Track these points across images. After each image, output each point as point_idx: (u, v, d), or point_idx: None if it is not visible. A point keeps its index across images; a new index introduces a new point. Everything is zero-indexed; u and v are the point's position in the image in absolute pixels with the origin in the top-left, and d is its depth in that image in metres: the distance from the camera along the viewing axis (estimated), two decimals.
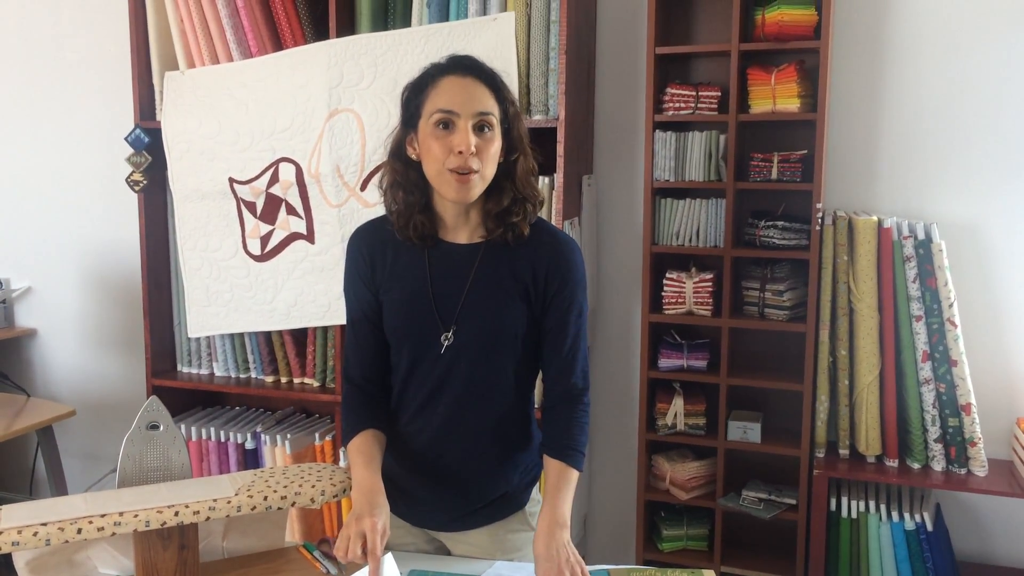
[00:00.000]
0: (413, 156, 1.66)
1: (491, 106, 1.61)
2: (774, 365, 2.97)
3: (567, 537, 1.59)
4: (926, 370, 2.63)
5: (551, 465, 1.69)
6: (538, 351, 1.74)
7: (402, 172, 1.67)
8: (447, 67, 1.64)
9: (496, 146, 1.62)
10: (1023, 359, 2.79)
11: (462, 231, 1.70)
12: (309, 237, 3.00)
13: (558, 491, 1.64)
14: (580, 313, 1.71)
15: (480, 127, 1.60)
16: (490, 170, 1.62)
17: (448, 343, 1.67)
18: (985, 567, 2.84)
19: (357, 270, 1.75)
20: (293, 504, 1.72)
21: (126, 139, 3.16)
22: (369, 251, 1.73)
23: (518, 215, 1.65)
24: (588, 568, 1.62)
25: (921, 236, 2.63)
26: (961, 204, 2.81)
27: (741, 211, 2.93)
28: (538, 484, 1.87)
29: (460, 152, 1.56)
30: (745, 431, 2.85)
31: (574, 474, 1.68)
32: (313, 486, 1.75)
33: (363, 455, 1.67)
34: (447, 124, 1.59)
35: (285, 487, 1.73)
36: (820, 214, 2.71)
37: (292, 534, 3.07)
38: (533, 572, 1.63)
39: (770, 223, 2.79)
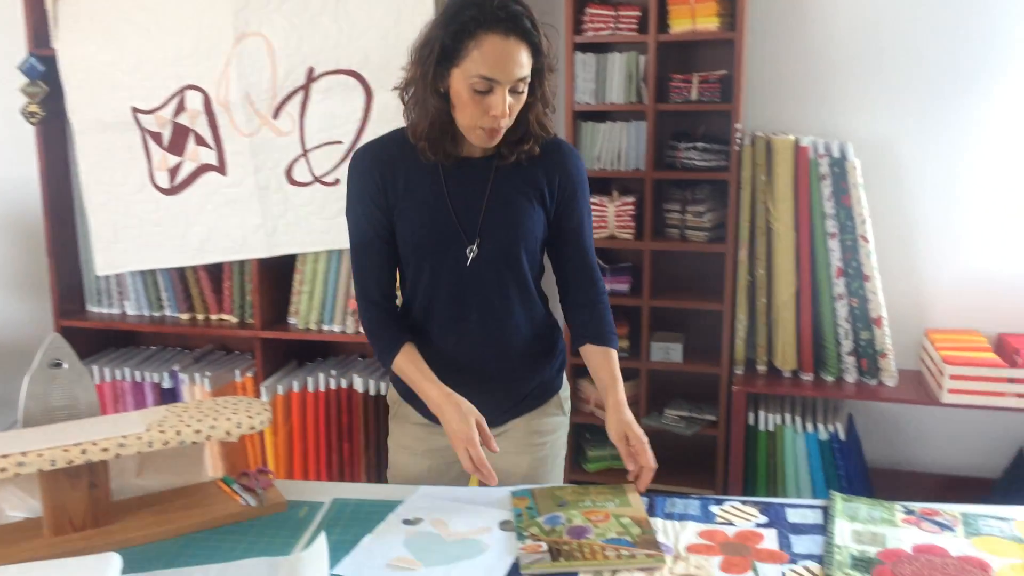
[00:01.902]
0: (442, 89, 1.62)
1: (528, 67, 1.59)
2: (695, 286, 3.00)
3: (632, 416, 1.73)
4: (840, 285, 2.69)
5: (595, 352, 1.79)
6: (550, 255, 1.82)
7: (435, 104, 1.62)
8: (492, 20, 1.54)
9: (524, 98, 1.63)
10: (932, 273, 2.89)
11: (474, 146, 1.70)
12: (220, 168, 2.89)
13: (614, 378, 1.75)
14: (589, 213, 1.81)
15: (515, 88, 1.59)
16: (514, 119, 1.64)
17: (473, 255, 1.68)
18: (894, 472, 2.97)
19: (366, 191, 1.71)
20: (208, 438, 1.67)
21: (19, 68, 2.97)
22: (379, 171, 1.70)
23: (528, 144, 1.69)
24: (511, 489, 1.67)
25: (836, 155, 2.67)
26: (875, 124, 2.86)
27: (662, 133, 2.92)
28: (565, 370, 1.96)
29: (495, 115, 1.58)
30: (667, 352, 2.89)
31: (616, 355, 1.80)
32: (229, 419, 1.70)
33: (418, 370, 1.72)
34: (487, 90, 1.57)
35: (199, 421, 1.68)
36: (739, 135, 2.72)
37: (215, 469, 3.02)
38: (456, 496, 1.66)
39: (690, 145, 2.79)
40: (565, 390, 1.92)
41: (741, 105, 2.72)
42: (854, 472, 2.73)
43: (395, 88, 1.71)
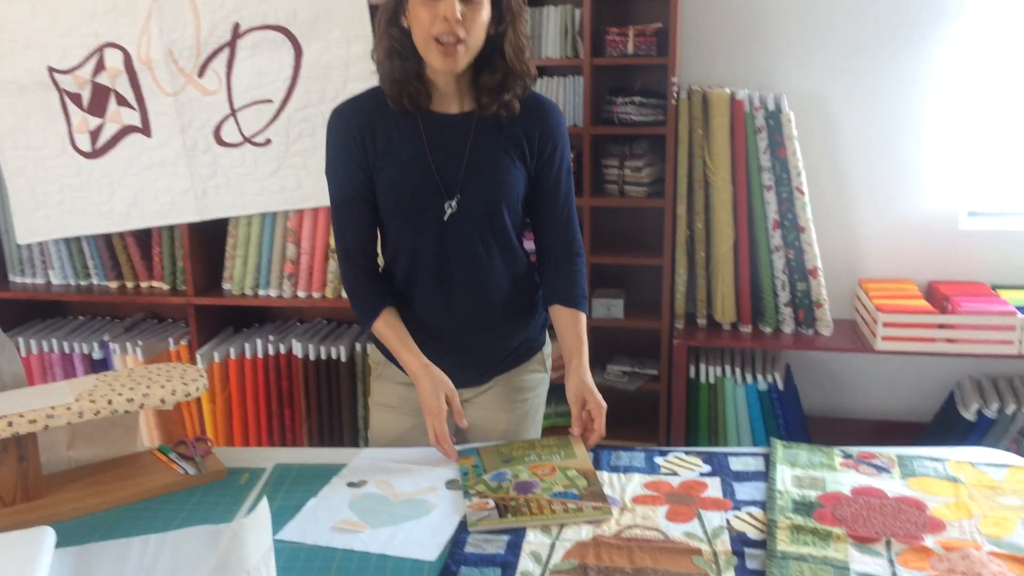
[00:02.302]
0: (405, 24, 1.63)
1: None
2: (634, 242, 3.01)
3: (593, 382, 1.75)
4: (776, 237, 2.73)
5: (564, 314, 1.77)
6: (530, 213, 1.80)
7: (398, 39, 1.64)
8: None
9: (483, 15, 1.59)
10: (864, 224, 2.94)
11: (453, 101, 1.69)
12: (145, 130, 2.78)
13: (580, 340, 1.75)
14: (570, 172, 1.80)
15: None
16: (476, 39, 1.60)
17: (452, 211, 1.67)
18: (830, 419, 3.05)
19: (346, 150, 1.69)
20: (142, 407, 1.62)
21: None
22: (359, 129, 1.68)
23: (510, 92, 1.66)
24: (457, 448, 1.68)
25: (771, 107, 2.68)
26: (809, 76, 2.88)
27: (599, 88, 2.89)
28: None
29: (446, 19, 1.54)
30: (609, 308, 2.90)
31: (585, 318, 1.79)
32: (163, 386, 1.65)
33: (397, 336, 1.72)
34: None
35: (131, 389, 1.63)
36: (676, 88, 2.71)
37: (151, 440, 2.95)
38: (400, 457, 1.66)
39: (627, 99, 2.77)
40: (548, 347, 1.93)
41: (677, 58, 2.71)
42: (792, 421, 2.79)
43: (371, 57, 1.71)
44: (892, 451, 1.71)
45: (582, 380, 1.72)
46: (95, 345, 2.96)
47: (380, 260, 1.82)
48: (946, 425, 2.79)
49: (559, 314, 1.79)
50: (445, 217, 1.69)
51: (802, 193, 2.70)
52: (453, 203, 1.68)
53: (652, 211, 2.91)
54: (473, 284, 1.75)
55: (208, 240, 2.92)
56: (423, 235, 1.71)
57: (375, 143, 1.69)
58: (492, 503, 1.50)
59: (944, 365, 2.93)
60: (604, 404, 1.71)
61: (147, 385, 1.65)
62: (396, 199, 1.70)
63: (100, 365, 2.95)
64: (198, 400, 2.91)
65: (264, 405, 2.91)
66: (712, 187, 2.75)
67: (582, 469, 1.59)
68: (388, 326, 1.73)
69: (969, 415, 2.68)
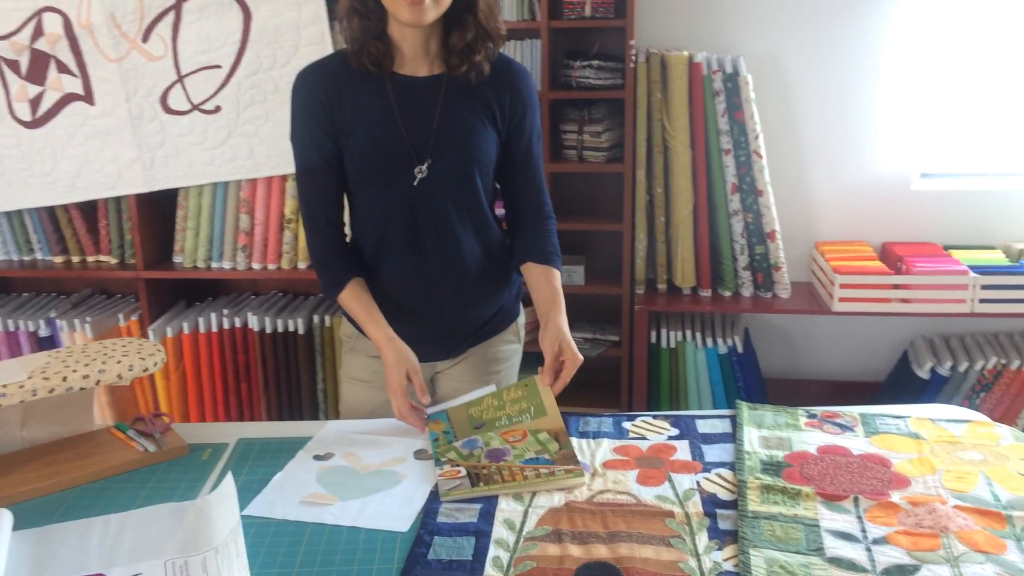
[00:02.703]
0: None
1: None
2: (594, 208, 3.00)
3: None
4: (735, 201, 2.74)
5: (538, 270, 1.73)
6: (500, 178, 1.76)
7: None
8: None
9: None
10: (821, 187, 2.97)
11: (422, 63, 1.64)
12: (87, 98, 2.68)
13: (556, 293, 1.71)
14: (540, 137, 1.76)
15: None
16: None
17: (421, 176, 1.63)
18: (788, 380, 3.09)
19: (312, 115, 1.64)
20: (98, 383, 1.57)
21: None
22: (325, 93, 1.63)
23: (480, 53, 1.61)
24: (428, 411, 1.66)
25: (729, 70, 2.68)
26: (765, 39, 2.88)
27: (556, 52, 2.86)
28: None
29: None
30: (569, 275, 2.89)
31: (559, 275, 1.75)
32: (119, 361, 1.60)
33: (363, 308, 1.68)
34: None
35: (86, 366, 1.58)
36: (634, 52, 2.69)
37: (103, 419, 2.87)
38: (366, 428, 1.64)
39: (586, 63, 2.75)
40: (522, 317, 1.91)
41: (635, 21, 2.69)
42: (752, 383, 2.83)
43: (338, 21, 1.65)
44: (855, 410, 1.73)
45: (560, 329, 1.67)
46: (41, 322, 2.86)
47: (348, 232, 1.78)
48: (900, 384, 2.85)
49: (532, 271, 1.75)
50: (415, 182, 1.65)
51: (760, 156, 2.71)
52: (423, 168, 1.64)
53: (611, 176, 2.90)
54: (445, 252, 1.71)
55: (157, 212, 2.84)
56: (392, 202, 1.67)
57: (342, 107, 1.63)
58: (464, 471, 1.48)
59: (898, 325, 2.99)
60: (581, 358, 1.66)
61: (102, 361, 1.60)
62: (364, 164, 1.65)
63: (47, 343, 2.86)
64: (151, 377, 2.84)
65: (220, 380, 2.85)
66: (671, 151, 2.74)
67: (553, 430, 1.57)
68: (354, 297, 1.69)
69: (923, 373, 2.74)
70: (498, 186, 1.81)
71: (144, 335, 2.84)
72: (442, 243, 1.70)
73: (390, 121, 1.63)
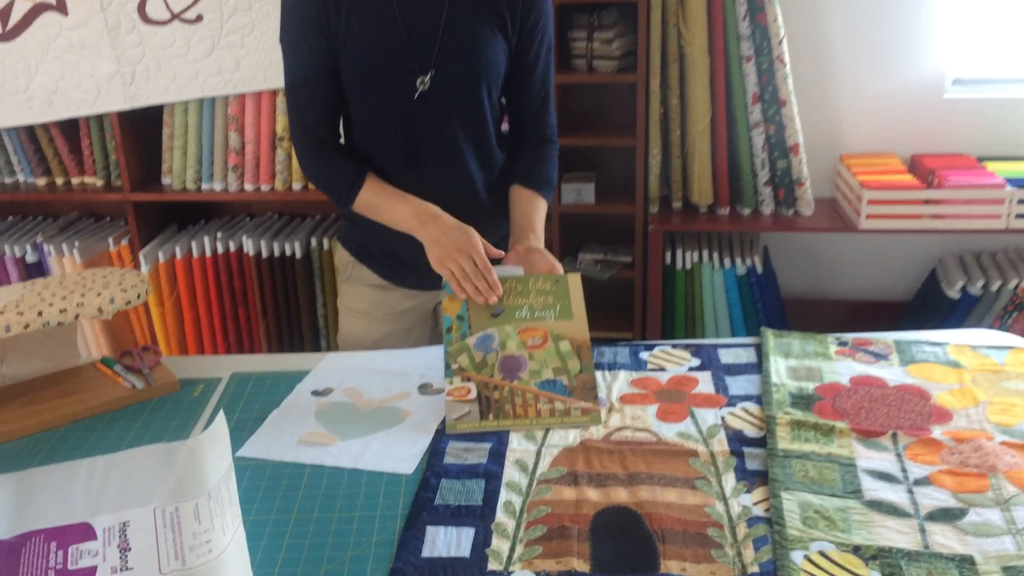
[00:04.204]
0: None
1: None
2: (605, 121, 2.86)
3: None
4: (756, 112, 2.58)
5: (522, 194, 1.64)
6: (504, 92, 1.65)
7: None
8: None
9: None
10: (847, 95, 2.80)
11: None
12: (60, 7, 2.50)
13: (529, 219, 1.60)
14: (550, 49, 1.65)
15: None
16: None
17: (424, 88, 1.52)
18: (810, 301, 2.99)
19: (307, 17, 1.51)
20: (77, 317, 1.47)
21: None
22: None
23: None
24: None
25: None
26: None
27: None
28: None
29: None
30: (579, 193, 2.76)
31: (544, 205, 1.65)
32: (99, 294, 1.50)
33: (387, 193, 1.55)
34: None
35: (64, 299, 1.48)
36: None
37: (98, 349, 2.79)
38: (367, 361, 1.56)
39: None
40: None
41: None
42: (771, 305, 2.73)
43: None
44: (889, 336, 1.63)
45: (530, 245, 1.57)
46: (28, 247, 2.75)
47: None
48: (928, 304, 2.74)
49: (516, 195, 1.65)
50: (416, 95, 1.53)
51: (783, 63, 2.54)
52: (426, 79, 1.52)
53: (623, 87, 2.74)
54: (447, 171, 1.60)
55: (142, 130, 2.69)
56: (391, 116, 1.55)
57: (339, 8, 1.50)
58: (474, 391, 1.39)
59: (926, 242, 2.86)
60: (559, 266, 1.55)
61: (81, 294, 1.50)
62: (361, 73, 1.53)
63: (35, 269, 2.76)
64: (145, 305, 2.74)
65: (217, 307, 2.75)
66: (687, 59, 2.57)
67: (576, 341, 1.45)
68: (378, 190, 1.56)
69: (953, 293, 2.62)
70: (503, 101, 1.68)
71: (135, 260, 2.73)
72: (444, 162, 1.59)
73: (391, 27, 1.50)
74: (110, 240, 2.77)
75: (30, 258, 2.75)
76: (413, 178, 1.59)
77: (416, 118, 1.55)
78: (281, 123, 2.59)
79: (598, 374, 1.51)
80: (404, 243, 1.59)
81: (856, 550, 1.07)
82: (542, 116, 1.68)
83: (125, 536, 1.13)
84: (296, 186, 2.65)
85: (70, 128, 2.72)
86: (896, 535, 1.10)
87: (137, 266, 2.71)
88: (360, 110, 1.58)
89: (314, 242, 2.71)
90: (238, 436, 1.37)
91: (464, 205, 1.61)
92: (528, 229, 1.60)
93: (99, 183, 2.74)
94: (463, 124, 1.58)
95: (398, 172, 1.59)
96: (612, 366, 1.55)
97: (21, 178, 2.79)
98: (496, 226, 1.70)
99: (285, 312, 2.77)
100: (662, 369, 1.55)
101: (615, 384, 1.49)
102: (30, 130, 2.72)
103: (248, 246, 2.71)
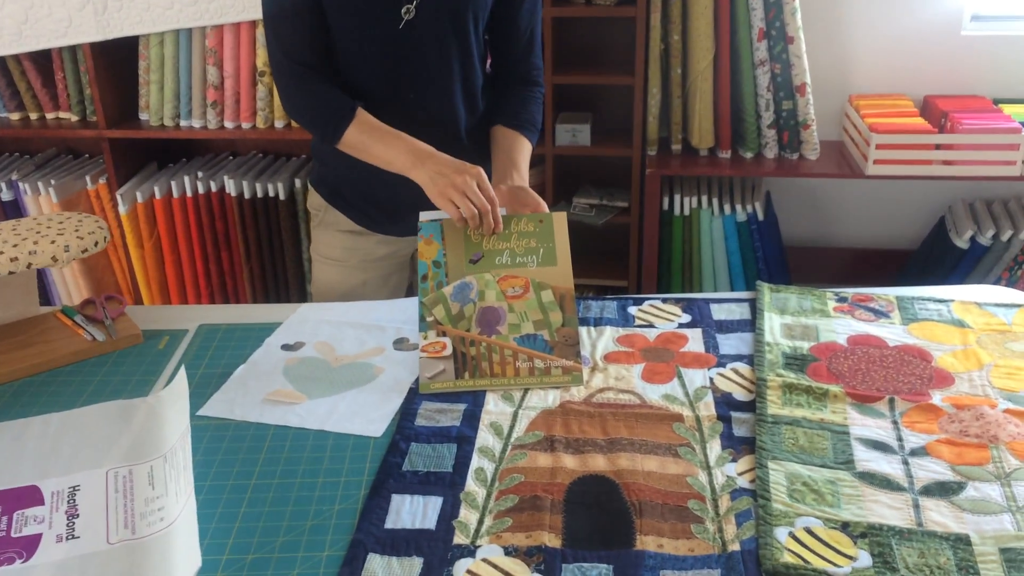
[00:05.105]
0: None
1: None
2: (602, 58, 2.73)
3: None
4: (761, 50, 2.45)
5: (504, 134, 1.56)
6: (493, 29, 1.58)
7: None
8: None
9: None
10: (858, 32, 2.65)
11: None
12: None
13: (513, 160, 1.53)
14: None
15: None
16: None
17: (408, 16, 1.44)
18: (813, 249, 2.89)
19: None
20: (29, 266, 1.40)
21: None
22: None
23: None
24: (421, 218, 1.45)
25: None
26: None
27: None
28: None
29: None
30: (574, 134, 2.64)
31: (529, 147, 1.58)
32: (53, 241, 1.42)
33: (380, 130, 1.46)
34: None
35: (15, 246, 1.40)
36: None
37: (79, 293, 2.72)
38: (344, 312, 1.50)
39: None
40: None
41: None
42: (772, 253, 2.63)
43: None
44: (891, 292, 1.55)
45: (514, 182, 1.49)
46: (2, 185, 2.66)
47: None
48: (935, 253, 2.64)
49: (499, 135, 1.57)
50: (400, 24, 1.44)
51: None
52: (411, 7, 1.43)
53: (622, 22, 2.60)
54: (431, 107, 1.52)
55: (117, 63, 2.57)
56: (373, 47, 1.46)
57: None
58: (449, 348, 1.31)
59: (936, 188, 2.74)
60: (544, 205, 1.47)
61: (34, 241, 1.41)
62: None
63: (11, 207, 2.67)
64: (125, 246, 2.66)
65: (199, 249, 2.67)
66: None
67: (559, 289, 1.37)
68: (368, 126, 1.46)
69: (961, 242, 2.52)
70: (487, 39, 1.58)
71: (113, 200, 2.64)
72: (428, 97, 1.51)
73: None
74: (87, 178, 2.67)
75: (5, 196, 2.67)
76: (396, 113, 1.49)
77: (399, 50, 1.47)
78: (261, 57, 2.47)
79: (583, 331, 1.43)
80: (381, 186, 1.51)
81: (844, 527, 1.01)
82: (528, 56, 1.60)
83: (74, 501, 1.08)
84: (279, 124, 2.54)
85: (43, 60, 2.60)
86: (888, 511, 1.03)
87: (114, 205, 2.62)
88: (344, 40, 1.48)
89: (298, 183, 2.61)
90: (201, 393, 1.31)
91: (449, 142, 1.52)
92: (511, 167, 1.52)
93: (74, 119, 2.63)
94: (449, 56, 1.50)
95: (380, 107, 1.49)
96: (598, 321, 1.48)
97: None
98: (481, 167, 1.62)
99: (269, 256, 2.69)
100: (650, 326, 1.47)
101: (600, 341, 1.42)
102: (2, 63, 2.60)
103: (230, 186, 2.61)
